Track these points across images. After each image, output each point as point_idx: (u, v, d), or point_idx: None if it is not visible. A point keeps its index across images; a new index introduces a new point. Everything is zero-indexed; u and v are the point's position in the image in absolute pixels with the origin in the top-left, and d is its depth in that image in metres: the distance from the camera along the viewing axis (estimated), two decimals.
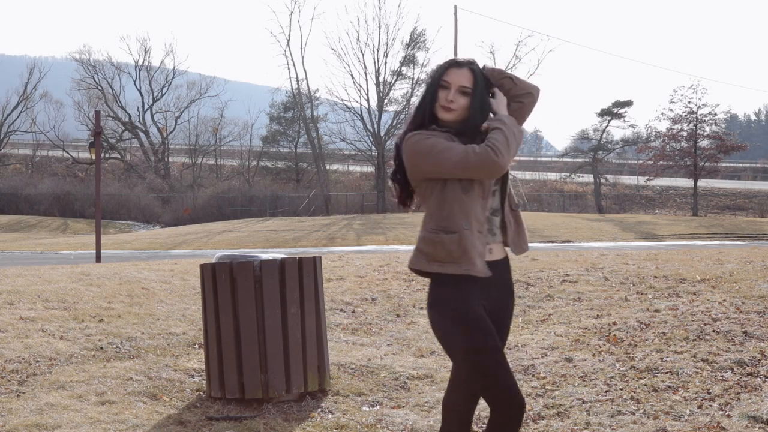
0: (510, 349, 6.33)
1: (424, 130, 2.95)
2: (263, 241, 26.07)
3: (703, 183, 45.92)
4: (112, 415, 4.69)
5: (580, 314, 7.40)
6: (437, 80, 2.94)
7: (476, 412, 4.78)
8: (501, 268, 3.05)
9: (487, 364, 2.86)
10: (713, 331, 6.30)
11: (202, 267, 5.27)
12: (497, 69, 3.04)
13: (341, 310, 7.95)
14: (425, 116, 2.97)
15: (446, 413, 3.19)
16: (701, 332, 6.29)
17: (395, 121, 45.17)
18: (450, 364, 5.92)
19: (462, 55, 3.05)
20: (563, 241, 24.40)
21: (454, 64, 2.96)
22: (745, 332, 6.21)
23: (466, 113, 2.94)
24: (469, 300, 2.90)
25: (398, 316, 7.83)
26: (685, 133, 43.54)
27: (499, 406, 2.89)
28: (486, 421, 4.65)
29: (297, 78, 51.64)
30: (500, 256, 3.05)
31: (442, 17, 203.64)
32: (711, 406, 4.68)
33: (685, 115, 43.38)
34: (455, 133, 2.96)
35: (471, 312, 2.88)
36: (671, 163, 43.99)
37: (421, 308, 7.91)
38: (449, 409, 3.18)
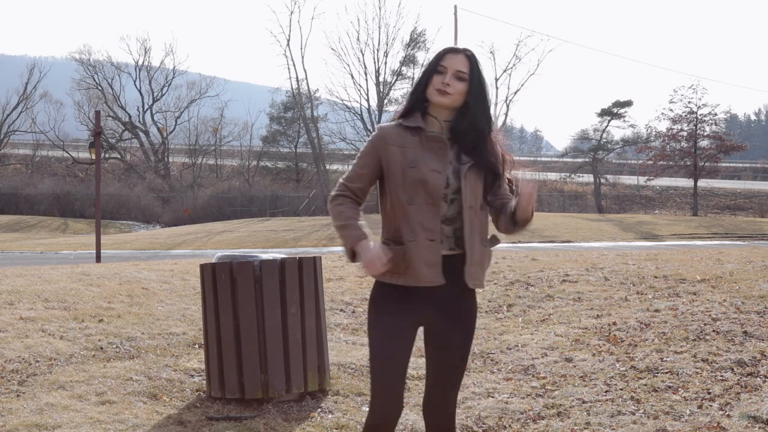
0: (510, 349, 6.33)
1: (388, 125, 2.95)
2: (263, 241, 26.08)
3: (703, 183, 45.91)
4: (112, 415, 4.69)
5: (580, 314, 7.40)
6: (434, 65, 2.90)
7: (476, 413, 4.78)
8: (455, 275, 2.89)
9: (374, 374, 2.93)
10: (713, 331, 6.30)
11: (202, 267, 5.27)
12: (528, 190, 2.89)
13: (341, 310, 7.95)
14: (415, 101, 2.94)
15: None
16: (701, 332, 6.29)
17: None
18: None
19: (459, 46, 3.01)
20: (563, 241, 24.40)
21: (451, 50, 2.93)
22: (745, 332, 6.21)
23: (462, 99, 2.90)
24: (396, 312, 2.87)
25: None
26: (685, 133, 43.54)
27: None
28: (485, 421, 4.65)
29: (297, 78, 51.66)
30: (447, 262, 2.89)
31: (442, 17, 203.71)
32: (711, 406, 4.68)
33: (685, 115, 43.38)
34: (451, 129, 2.90)
35: (387, 323, 2.88)
36: (671, 163, 43.98)
37: None
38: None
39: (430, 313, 2.90)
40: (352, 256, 2.84)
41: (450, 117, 2.93)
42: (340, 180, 2.97)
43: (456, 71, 2.88)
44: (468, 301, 2.95)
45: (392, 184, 2.88)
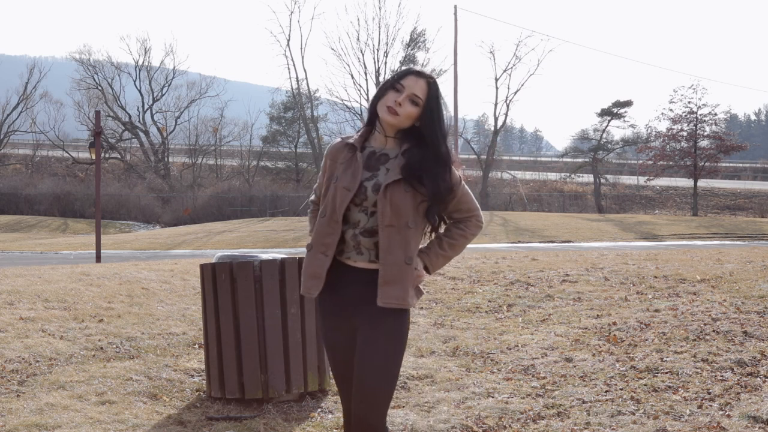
0: (510, 349, 6.33)
1: (338, 140, 3.04)
2: (263, 241, 26.08)
3: (703, 183, 45.92)
4: (112, 415, 4.69)
5: (580, 314, 7.40)
6: (393, 81, 2.90)
7: (476, 413, 4.78)
8: (363, 284, 2.88)
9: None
10: (713, 331, 6.31)
11: (202, 267, 5.27)
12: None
13: None
14: (369, 114, 2.99)
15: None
16: (701, 332, 6.29)
17: None
18: (450, 364, 5.93)
19: (426, 69, 3.00)
20: (563, 241, 24.40)
21: (415, 72, 2.90)
22: (745, 332, 6.21)
23: (409, 123, 2.88)
24: (322, 320, 3.05)
25: None
26: (685, 133, 43.54)
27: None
28: (485, 421, 4.65)
29: (297, 78, 51.70)
30: (366, 275, 2.88)
31: (442, 17, 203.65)
32: (711, 406, 4.68)
33: (685, 115, 43.38)
34: (413, 136, 2.89)
35: (324, 328, 3.04)
36: (671, 163, 43.98)
37: (421, 308, 7.91)
38: None
39: (356, 323, 2.93)
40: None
41: (396, 133, 2.92)
42: (315, 187, 3.14)
43: (412, 94, 2.86)
44: (390, 319, 2.85)
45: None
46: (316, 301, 3.02)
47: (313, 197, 3.14)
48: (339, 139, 3.04)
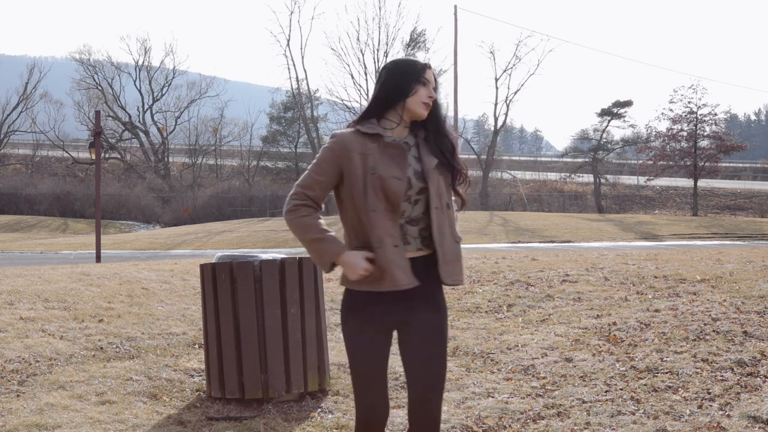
0: (510, 349, 6.33)
1: (345, 131, 2.96)
2: (263, 241, 26.08)
3: (703, 183, 45.90)
4: (112, 415, 4.69)
5: (580, 314, 7.40)
6: (418, 77, 2.96)
7: (476, 413, 4.78)
8: (423, 276, 2.94)
9: (360, 380, 2.97)
10: (713, 331, 6.31)
11: (202, 267, 5.27)
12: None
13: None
14: (378, 107, 2.97)
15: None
16: (701, 332, 6.29)
17: None
18: (449, 364, 5.93)
19: (423, 59, 3.15)
20: (563, 241, 24.40)
21: (429, 66, 3.03)
22: (745, 332, 6.21)
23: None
24: (371, 318, 2.92)
25: None
26: (685, 133, 43.52)
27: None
28: (485, 421, 4.65)
29: (297, 78, 51.63)
30: (415, 263, 2.93)
31: (442, 17, 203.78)
32: (711, 406, 4.68)
33: (685, 115, 43.37)
34: (419, 125, 3.00)
35: (365, 330, 2.93)
36: (671, 163, 43.98)
37: None
38: None
39: (402, 315, 2.93)
40: (330, 266, 2.90)
41: (409, 124, 3.01)
42: (297, 188, 2.93)
43: (433, 86, 3.00)
44: (437, 298, 2.99)
45: (354, 192, 2.89)
46: (355, 295, 2.92)
47: (299, 198, 2.92)
48: (344, 131, 2.97)
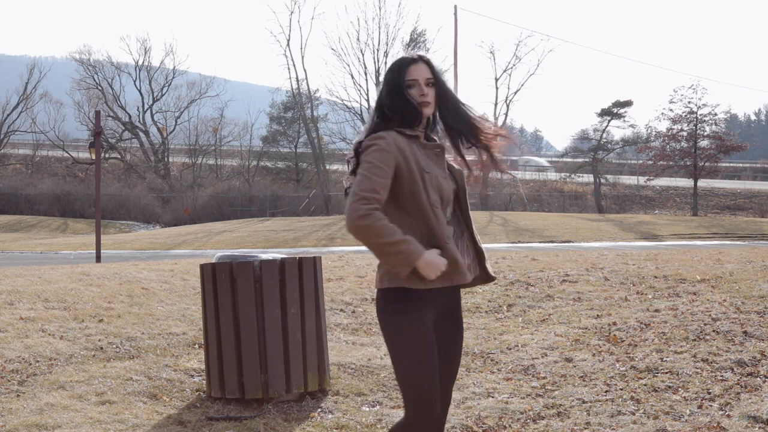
0: (510, 349, 6.33)
1: (390, 132, 2.89)
2: (263, 241, 26.08)
3: (703, 183, 45.88)
4: (112, 415, 4.69)
5: (580, 314, 7.40)
6: (402, 82, 2.94)
7: (476, 413, 4.78)
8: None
9: (418, 380, 2.91)
10: (713, 331, 6.31)
11: (202, 267, 5.27)
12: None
13: (341, 310, 7.94)
14: (408, 116, 2.92)
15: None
16: (701, 332, 6.29)
17: None
18: None
19: (412, 53, 3.07)
20: (563, 241, 24.39)
21: (410, 61, 2.98)
22: (745, 332, 6.21)
23: (435, 104, 2.98)
24: (421, 316, 2.90)
25: None
26: (685, 133, 43.51)
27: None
28: (485, 421, 4.65)
29: (297, 78, 51.56)
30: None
31: (442, 17, 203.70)
32: (711, 406, 4.68)
33: (685, 115, 43.35)
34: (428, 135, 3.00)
35: (421, 327, 2.89)
36: (671, 163, 43.97)
37: None
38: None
39: (437, 313, 2.96)
40: (412, 268, 2.82)
41: (426, 122, 3.01)
42: (362, 193, 2.78)
43: (425, 79, 2.95)
44: (460, 300, 3.08)
45: (414, 191, 2.85)
46: (408, 295, 2.87)
47: (370, 202, 2.79)
48: (385, 133, 2.89)
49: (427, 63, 2.98)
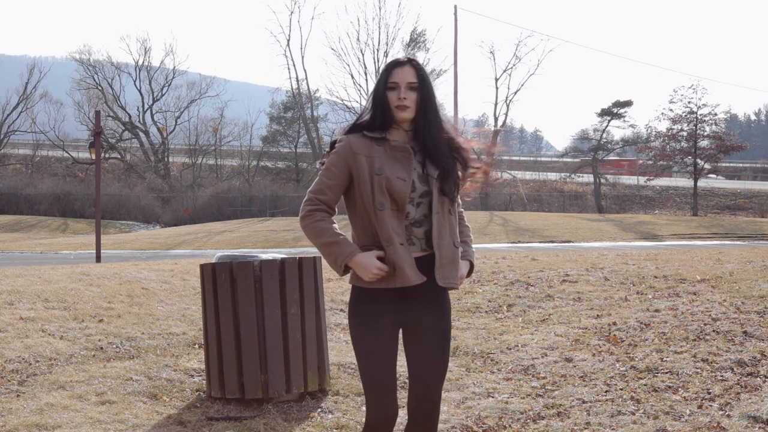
0: (510, 349, 6.33)
1: (352, 135, 3.00)
2: (263, 241, 26.08)
3: (703, 183, 45.89)
4: (112, 415, 4.69)
5: (580, 314, 7.40)
6: (383, 84, 2.99)
7: (476, 413, 4.78)
8: (429, 275, 3.00)
9: (369, 378, 3.03)
10: (713, 331, 6.31)
11: (202, 267, 5.27)
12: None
13: (341, 310, 7.95)
14: (382, 115, 2.99)
15: None
16: (701, 332, 6.29)
17: None
18: (450, 364, 5.92)
19: (403, 55, 3.12)
20: (563, 241, 24.39)
21: (397, 63, 3.02)
22: (745, 332, 6.21)
23: (416, 110, 3.01)
24: (381, 316, 2.97)
25: None
26: (685, 133, 43.52)
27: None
28: (485, 421, 4.65)
29: (297, 78, 51.66)
30: (419, 263, 3.00)
31: (442, 17, 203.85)
32: (711, 406, 4.68)
33: (685, 115, 43.36)
34: (414, 136, 3.01)
35: (375, 327, 2.97)
36: (671, 163, 43.97)
37: None
38: None
39: (409, 313, 3.01)
40: (345, 269, 2.96)
41: (411, 126, 3.03)
42: (309, 194, 3.01)
43: (407, 83, 2.99)
44: (442, 299, 3.06)
45: (363, 192, 2.96)
46: (364, 294, 2.98)
47: (312, 203, 2.99)
48: (351, 135, 3.01)
49: (415, 67, 3.01)
